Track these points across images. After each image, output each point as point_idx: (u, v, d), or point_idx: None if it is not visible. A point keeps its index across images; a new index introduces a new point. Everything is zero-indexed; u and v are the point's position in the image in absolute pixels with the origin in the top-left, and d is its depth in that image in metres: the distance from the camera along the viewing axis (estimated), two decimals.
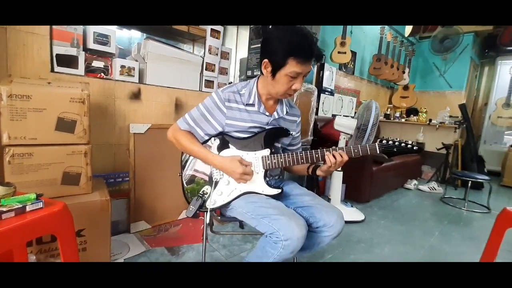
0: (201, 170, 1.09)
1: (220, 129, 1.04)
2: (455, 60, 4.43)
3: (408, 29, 4.23)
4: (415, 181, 3.45)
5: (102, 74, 1.56)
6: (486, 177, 2.82)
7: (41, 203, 0.78)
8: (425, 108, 4.18)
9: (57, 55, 1.38)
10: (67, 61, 1.42)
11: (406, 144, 0.98)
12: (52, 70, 1.38)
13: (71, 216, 0.85)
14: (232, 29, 2.86)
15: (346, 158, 0.98)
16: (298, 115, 1.19)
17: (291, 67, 0.91)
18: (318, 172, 1.07)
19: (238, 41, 2.83)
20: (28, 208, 0.75)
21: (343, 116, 2.13)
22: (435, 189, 3.33)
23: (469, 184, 2.78)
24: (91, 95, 1.20)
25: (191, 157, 1.10)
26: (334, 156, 0.97)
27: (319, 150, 1.00)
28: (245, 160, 1.01)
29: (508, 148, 4.03)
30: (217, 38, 2.04)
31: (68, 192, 1.17)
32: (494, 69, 4.76)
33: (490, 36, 4.42)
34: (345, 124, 2.07)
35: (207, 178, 1.07)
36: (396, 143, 0.98)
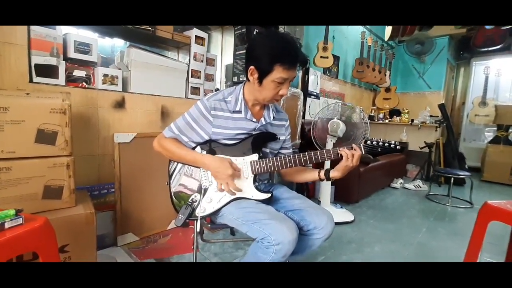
0: (188, 185, 1.07)
1: (206, 138, 1.04)
2: (433, 62, 4.63)
3: (387, 33, 4.38)
4: (401, 180, 3.54)
5: (84, 83, 1.53)
6: (467, 173, 2.93)
7: (21, 219, 0.75)
8: (407, 109, 4.32)
9: (36, 65, 1.33)
10: (47, 71, 1.37)
11: (389, 144, 1.01)
12: (31, 80, 1.33)
13: (53, 232, 0.82)
14: (217, 36, 2.87)
15: (359, 152, 0.98)
16: (286, 119, 1.19)
17: (278, 73, 0.92)
18: (333, 174, 1.03)
19: (223, 47, 2.85)
20: (7, 225, 0.72)
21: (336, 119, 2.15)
22: (420, 187, 3.43)
23: (452, 181, 2.88)
24: (72, 105, 1.17)
25: (177, 170, 1.09)
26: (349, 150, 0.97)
27: (306, 153, 1.01)
28: (235, 164, 1.00)
29: (486, 145, 4.21)
30: (202, 45, 2.04)
31: (50, 206, 1.12)
32: (469, 69, 5.01)
33: (464, 38, 4.65)
34: (341, 128, 2.11)
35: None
36: (380, 143, 1.01)
